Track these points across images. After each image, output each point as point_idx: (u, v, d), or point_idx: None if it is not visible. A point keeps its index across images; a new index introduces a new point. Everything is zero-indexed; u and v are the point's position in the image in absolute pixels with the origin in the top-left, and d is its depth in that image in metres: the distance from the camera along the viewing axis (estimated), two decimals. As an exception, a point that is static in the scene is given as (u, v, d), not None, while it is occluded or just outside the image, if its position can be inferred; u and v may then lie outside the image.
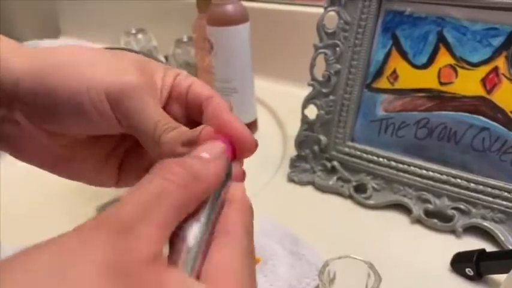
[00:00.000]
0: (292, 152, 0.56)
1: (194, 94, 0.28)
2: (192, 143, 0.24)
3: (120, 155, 0.31)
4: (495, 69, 0.44)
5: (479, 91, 0.45)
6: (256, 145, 0.27)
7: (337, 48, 0.51)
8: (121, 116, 0.27)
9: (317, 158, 0.54)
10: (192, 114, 0.29)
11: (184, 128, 0.26)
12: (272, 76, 0.79)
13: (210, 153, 0.22)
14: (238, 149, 0.26)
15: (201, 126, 0.25)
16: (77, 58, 0.27)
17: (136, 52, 0.78)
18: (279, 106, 0.72)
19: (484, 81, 0.44)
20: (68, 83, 0.26)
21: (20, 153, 0.29)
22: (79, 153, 0.30)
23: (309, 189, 0.53)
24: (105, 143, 0.30)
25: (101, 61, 0.27)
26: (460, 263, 0.40)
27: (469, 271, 0.39)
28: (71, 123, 0.27)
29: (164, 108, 0.29)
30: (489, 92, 0.44)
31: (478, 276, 0.39)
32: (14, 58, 0.26)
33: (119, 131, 0.28)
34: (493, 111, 0.44)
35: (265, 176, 0.56)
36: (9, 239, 0.45)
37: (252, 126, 0.67)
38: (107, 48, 0.31)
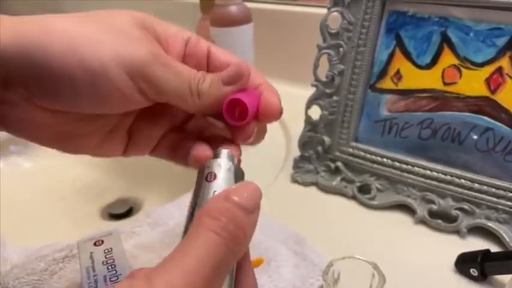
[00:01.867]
0: (296, 152, 0.56)
1: (218, 62, 0.28)
2: (234, 79, 0.25)
3: (127, 125, 0.29)
4: (499, 69, 0.44)
5: (483, 91, 0.44)
6: (280, 113, 0.27)
7: (341, 49, 0.51)
8: (147, 88, 0.25)
9: (321, 158, 0.54)
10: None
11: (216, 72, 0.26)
12: (275, 77, 0.79)
13: (250, 204, 0.22)
14: (263, 114, 0.27)
15: (239, 62, 0.25)
16: (73, 32, 0.24)
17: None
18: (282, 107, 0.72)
19: (488, 81, 0.44)
20: (70, 60, 0.23)
21: (15, 132, 0.26)
22: (83, 129, 0.27)
23: (313, 189, 0.53)
24: (111, 116, 0.27)
25: (103, 34, 0.24)
26: (465, 263, 0.40)
27: (473, 271, 0.39)
28: (81, 103, 0.24)
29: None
30: (493, 92, 0.44)
31: (482, 277, 0.39)
32: None
33: (140, 106, 0.26)
34: (497, 111, 0.44)
35: (268, 177, 0.56)
36: (13, 238, 0.45)
37: (255, 126, 0.67)
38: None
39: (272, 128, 0.75)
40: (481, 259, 0.38)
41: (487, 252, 0.39)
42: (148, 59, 0.24)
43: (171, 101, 0.26)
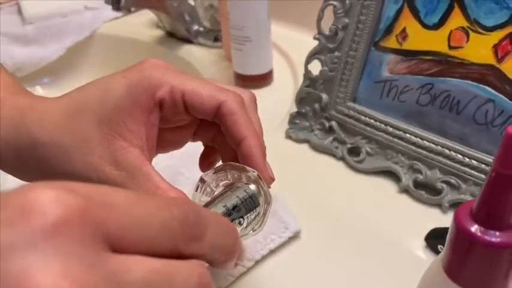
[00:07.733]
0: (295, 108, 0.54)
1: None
2: None
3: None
4: (509, 36, 0.39)
5: (490, 59, 0.41)
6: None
7: (347, 1, 0.48)
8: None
9: (317, 116, 0.52)
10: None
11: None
12: (292, 23, 0.75)
13: None
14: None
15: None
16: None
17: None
18: (298, 56, 0.69)
19: (496, 47, 0.40)
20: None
21: None
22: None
23: (304, 147, 0.52)
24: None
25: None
26: (434, 238, 0.38)
27: (440, 248, 0.37)
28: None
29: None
30: (500, 60, 0.40)
31: (449, 255, 0.37)
32: None
33: None
34: (501, 81, 0.40)
35: (265, 131, 0.55)
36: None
37: (266, 78, 0.64)
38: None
39: (284, 79, 0.69)
40: (449, 236, 0.37)
41: (458, 230, 0.37)
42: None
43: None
